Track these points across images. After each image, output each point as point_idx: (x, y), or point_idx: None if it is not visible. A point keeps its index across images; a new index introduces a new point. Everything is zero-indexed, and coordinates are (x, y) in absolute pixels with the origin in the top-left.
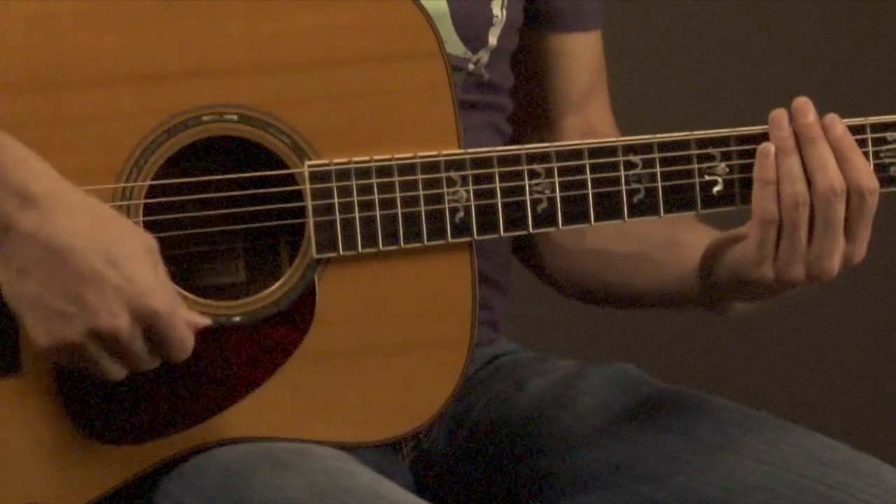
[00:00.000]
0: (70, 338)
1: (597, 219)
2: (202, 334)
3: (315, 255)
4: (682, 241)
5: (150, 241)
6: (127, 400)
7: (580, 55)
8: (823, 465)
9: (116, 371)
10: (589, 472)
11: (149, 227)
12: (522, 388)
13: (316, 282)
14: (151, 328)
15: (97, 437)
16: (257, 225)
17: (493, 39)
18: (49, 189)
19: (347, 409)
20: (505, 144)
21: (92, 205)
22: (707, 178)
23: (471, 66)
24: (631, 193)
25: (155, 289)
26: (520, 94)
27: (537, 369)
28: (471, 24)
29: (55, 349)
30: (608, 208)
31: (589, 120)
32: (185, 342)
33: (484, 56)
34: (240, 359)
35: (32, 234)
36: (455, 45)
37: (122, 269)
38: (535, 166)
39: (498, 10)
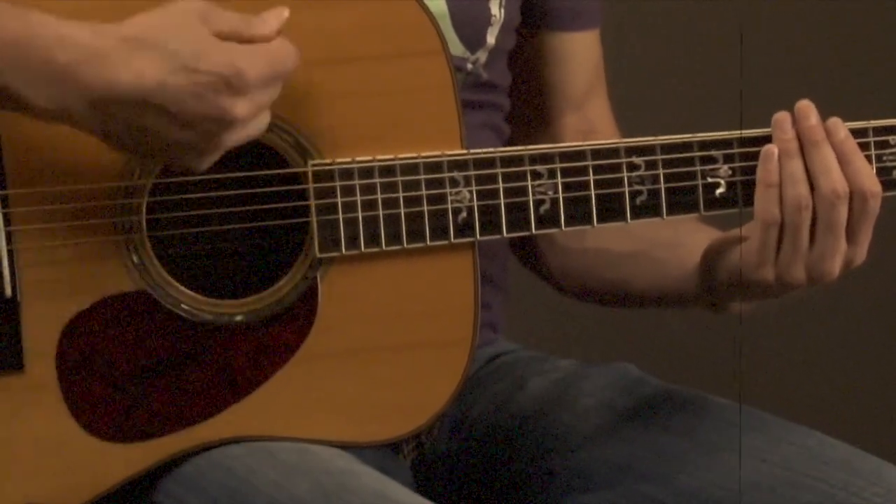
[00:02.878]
0: (215, 146)
1: (599, 220)
2: (205, 333)
3: (318, 255)
4: (682, 241)
5: (188, 7)
6: (129, 398)
7: (578, 54)
8: (825, 464)
9: (262, 124)
10: (589, 472)
11: (151, 226)
12: (522, 387)
13: (318, 281)
14: (258, 80)
15: (98, 436)
16: (260, 224)
17: (491, 39)
18: (94, 43)
19: (349, 409)
20: (503, 144)
21: (131, 30)
22: (710, 179)
23: (469, 66)
24: (634, 195)
25: (234, 58)
26: (519, 94)
27: (537, 369)
28: (469, 23)
29: (209, 160)
30: (611, 209)
31: (588, 119)
32: (289, 56)
33: (482, 56)
34: (242, 358)
35: (114, 96)
36: (454, 45)
37: (201, 63)
38: (538, 167)
39: (496, 10)
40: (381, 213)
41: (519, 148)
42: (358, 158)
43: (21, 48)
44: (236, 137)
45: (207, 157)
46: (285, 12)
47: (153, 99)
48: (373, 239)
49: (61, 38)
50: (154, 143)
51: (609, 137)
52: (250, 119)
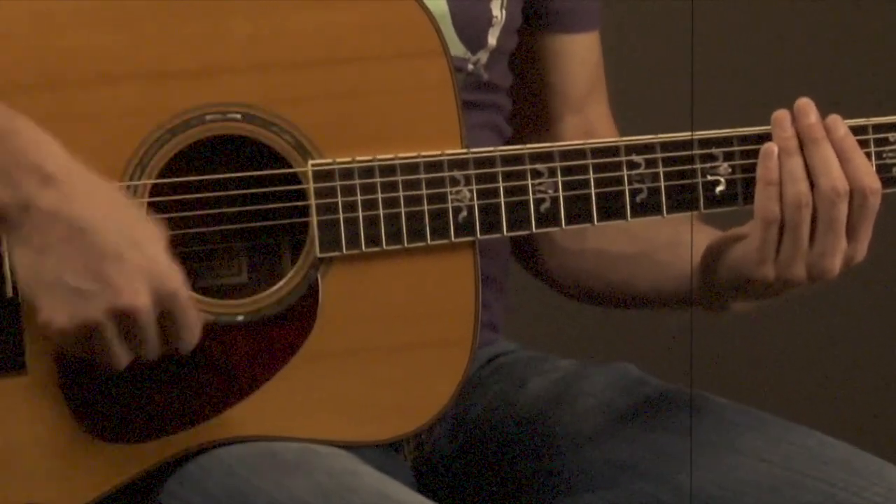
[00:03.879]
0: (90, 317)
1: (600, 219)
2: (206, 333)
3: (318, 255)
4: (682, 241)
5: (160, 231)
6: (130, 399)
7: (579, 56)
8: (825, 464)
9: (123, 358)
10: (590, 472)
11: None
12: (523, 387)
13: (319, 281)
14: (169, 311)
15: (100, 436)
16: (261, 224)
17: (492, 40)
18: (68, 169)
19: (350, 409)
20: (504, 144)
21: (110, 187)
22: (710, 178)
23: (470, 67)
24: (634, 193)
25: (174, 271)
26: (520, 95)
27: (537, 369)
28: (470, 24)
29: (73, 330)
30: (611, 208)
31: (588, 120)
32: (196, 331)
33: (483, 56)
34: (243, 358)
35: (54, 212)
36: (455, 46)
37: (144, 248)
38: (538, 166)
39: (497, 11)
40: (381, 212)
41: (519, 147)
42: (358, 158)
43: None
44: (109, 333)
45: (72, 321)
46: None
47: (87, 234)
48: (373, 238)
49: (37, 143)
50: (49, 270)
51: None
52: (136, 328)
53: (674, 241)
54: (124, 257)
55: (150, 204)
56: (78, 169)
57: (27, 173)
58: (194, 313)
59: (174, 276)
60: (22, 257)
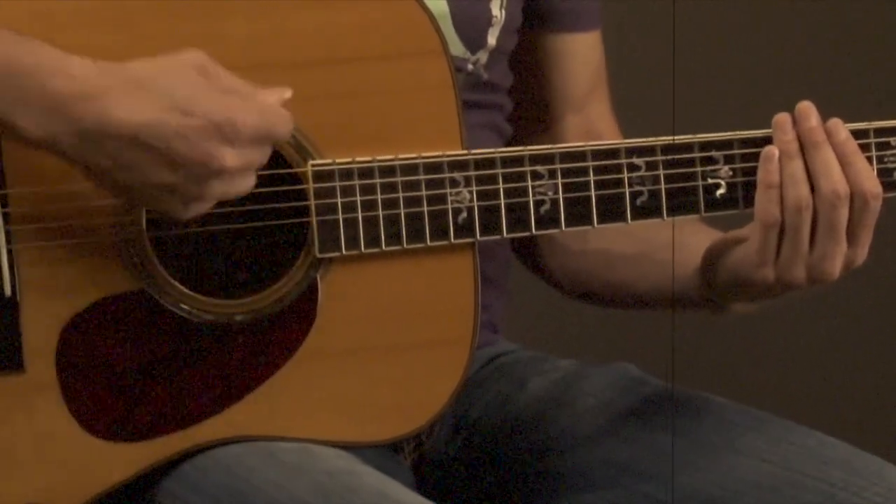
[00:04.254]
0: (198, 195)
1: (600, 221)
2: (206, 333)
3: (318, 255)
4: (684, 242)
5: (190, 58)
6: (129, 398)
7: (579, 55)
8: (825, 464)
9: (247, 182)
10: (590, 472)
11: (152, 225)
12: (523, 387)
13: (318, 281)
14: (248, 142)
15: (99, 436)
16: (261, 224)
17: (492, 40)
18: (94, 79)
19: (349, 409)
20: (504, 144)
21: (132, 70)
22: (710, 180)
23: (470, 67)
24: (634, 196)
25: (230, 108)
26: (520, 95)
27: (537, 369)
28: (470, 24)
29: (193, 212)
30: (611, 210)
31: (590, 120)
32: (282, 116)
33: (483, 56)
34: (242, 357)
35: (103, 130)
36: (455, 46)
37: (194, 109)
38: (538, 167)
39: (497, 11)
40: (381, 213)
41: (519, 148)
42: (358, 158)
43: (19, 75)
44: (220, 189)
45: (191, 206)
46: (287, 93)
47: (142, 136)
48: (373, 239)
49: (59, 69)
50: (138, 182)
51: (610, 139)
52: (236, 172)
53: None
54: (185, 133)
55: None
56: (105, 72)
57: (60, 100)
58: (270, 115)
59: (235, 114)
60: (108, 180)
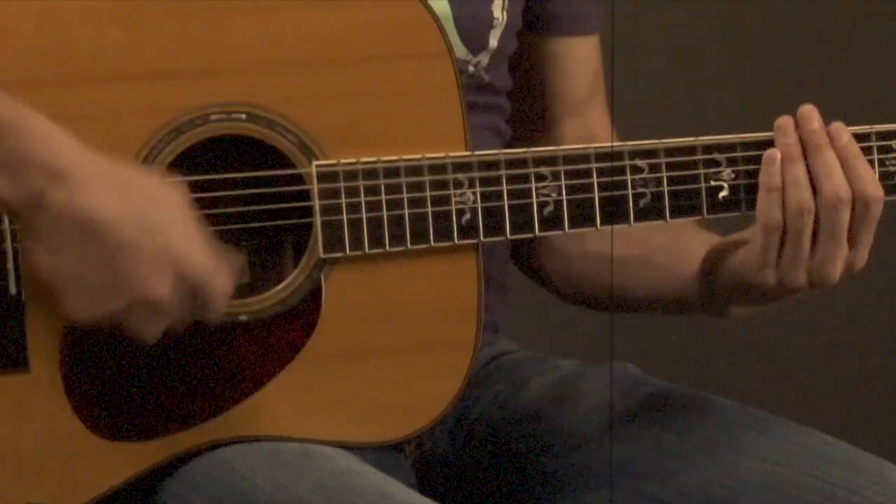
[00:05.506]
0: (113, 310)
1: (603, 223)
2: (209, 333)
3: (321, 255)
4: (683, 246)
5: (178, 196)
6: (133, 398)
7: (579, 59)
8: (826, 463)
9: (152, 335)
10: (590, 471)
11: None
12: (523, 387)
13: (322, 282)
14: (191, 290)
15: (102, 435)
16: (264, 224)
17: (493, 42)
18: (76, 161)
19: (352, 410)
20: (504, 146)
21: (119, 172)
22: (713, 183)
23: (471, 69)
24: (637, 198)
25: (191, 251)
26: (520, 98)
27: (537, 369)
28: (472, 26)
29: (97, 322)
30: (614, 212)
31: (588, 124)
32: (222, 299)
33: (484, 58)
34: (245, 358)
35: (64, 210)
36: (456, 47)
37: (158, 234)
38: (541, 169)
39: (498, 13)
40: (384, 213)
41: (523, 150)
42: (362, 159)
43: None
44: (136, 320)
45: (95, 312)
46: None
47: (98, 229)
48: (376, 240)
49: (46, 137)
50: (66, 267)
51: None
52: (160, 312)
53: (672, 246)
54: (140, 248)
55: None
56: (86, 158)
57: (35, 169)
58: (218, 288)
59: (192, 258)
60: (38, 254)
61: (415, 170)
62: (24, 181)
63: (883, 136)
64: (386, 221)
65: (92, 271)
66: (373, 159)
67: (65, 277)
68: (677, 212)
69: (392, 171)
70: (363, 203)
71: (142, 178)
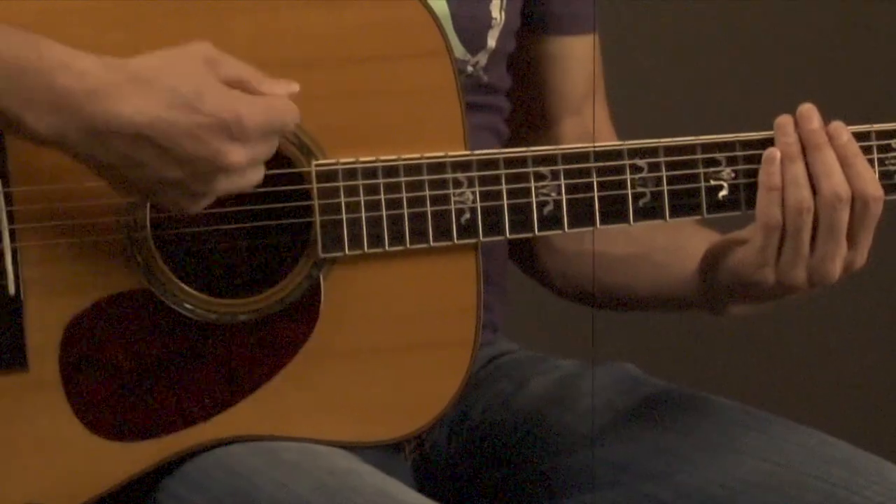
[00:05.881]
0: (208, 191)
1: (602, 222)
2: (209, 332)
3: (321, 255)
4: (682, 244)
5: (196, 51)
6: (132, 397)
7: (577, 59)
8: (826, 463)
9: (256, 178)
10: (590, 471)
11: (155, 224)
12: (523, 387)
13: (321, 281)
14: (255, 138)
15: (102, 435)
16: (264, 223)
17: (491, 41)
18: (103, 76)
19: (351, 409)
20: (503, 146)
21: (137, 67)
22: (712, 182)
23: (469, 69)
24: (637, 197)
25: (237, 104)
26: (518, 97)
27: (537, 369)
28: (471, 26)
29: (202, 206)
30: (614, 211)
31: (587, 123)
32: (289, 110)
33: (482, 58)
34: (245, 357)
35: (113, 127)
36: (455, 47)
37: (202, 105)
38: (541, 168)
39: (497, 13)
40: (384, 213)
41: (522, 149)
42: (361, 159)
43: (26, 73)
44: (227, 185)
45: (197, 201)
46: (294, 86)
47: (149, 133)
48: (376, 239)
49: (66, 66)
50: (146, 179)
51: (607, 142)
52: (243, 168)
53: (671, 244)
54: (194, 130)
55: (152, 204)
56: (112, 69)
57: (70, 98)
58: (277, 108)
59: (242, 111)
60: (119, 176)
61: (414, 169)
62: (64, 112)
63: (882, 135)
64: (385, 221)
65: (169, 170)
66: (372, 158)
67: (153, 187)
68: (677, 211)
69: (391, 171)
70: (362, 202)
71: (157, 64)
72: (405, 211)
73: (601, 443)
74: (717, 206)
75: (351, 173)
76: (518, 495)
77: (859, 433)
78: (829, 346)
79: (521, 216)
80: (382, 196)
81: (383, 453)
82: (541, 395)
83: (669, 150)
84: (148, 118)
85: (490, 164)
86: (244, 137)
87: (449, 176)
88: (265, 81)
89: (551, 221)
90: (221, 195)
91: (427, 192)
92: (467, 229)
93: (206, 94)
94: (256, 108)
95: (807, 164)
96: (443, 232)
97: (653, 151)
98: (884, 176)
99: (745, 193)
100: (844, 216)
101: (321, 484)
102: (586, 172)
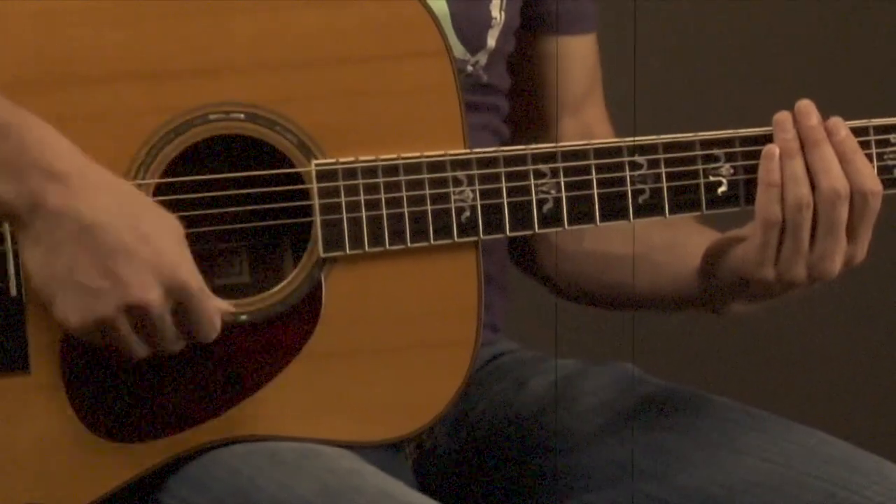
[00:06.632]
0: (102, 314)
1: (602, 219)
2: None
3: (322, 254)
4: (681, 242)
5: (175, 222)
6: (133, 398)
7: (576, 58)
8: (826, 463)
9: (141, 350)
10: (590, 471)
11: None
12: (523, 387)
13: (322, 281)
14: (181, 304)
15: (103, 436)
16: (265, 223)
17: (491, 41)
18: (75, 165)
19: (353, 408)
20: (502, 145)
21: (118, 182)
22: (712, 178)
23: (469, 68)
24: (636, 194)
25: (184, 263)
26: (517, 97)
27: (537, 369)
28: (470, 25)
29: (87, 327)
30: (613, 209)
31: (586, 122)
32: (214, 320)
33: (482, 58)
34: (246, 357)
35: (61, 211)
36: (454, 47)
37: (152, 242)
38: (540, 166)
39: (496, 13)
40: (384, 212)
41: (521, 147)
42: (361, 158)
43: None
44: (122, 327)
45: (86, 322)
46: (231, 309)
47: (96, 232)
48: (376, 238)
49: (48, 147)
50: (59, 269)
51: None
52: (147, 323)
53: (672, 243)
54: (133, 252)
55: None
56: (85, 163)
57: (34, 170)
58: (209, 303)
59: (184, 268)
60: (33, 256)
61: (414, 168)
62: (23, 182)
63: (881, 130)
64: (385, 220)
65: (84, 272)
66: (372, 158)
67: (57, 278)
68: (676, 207)
69: (391, 170)
70: (363, 201)
71: (138, 193)
72: (405, 210)
73: (601, 443)
74: (716, 202)
75: (351, 172)
76: (518, 495)
77: (859, 433)
78: (829, 346)
79: (521, 214)
80: (382, 195)
81: (384, 453)
82: (541, 395)
83: (668, 147)
84: (101, 219)
85: (490, 162)
86: (172, 292)
87: (449, 174)
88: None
89: (551, 219)
90: (110, 345)
91: (427, 191)
92: (467, 227)
93: (164, 239)
94: (201, 290)
95: (806, 161)
96: (443, 230)
97: (652, 148)
98: (882, 171)
99: (745, 190)
100: (844, 212)
101: (323, 484)
102: (586, 170)
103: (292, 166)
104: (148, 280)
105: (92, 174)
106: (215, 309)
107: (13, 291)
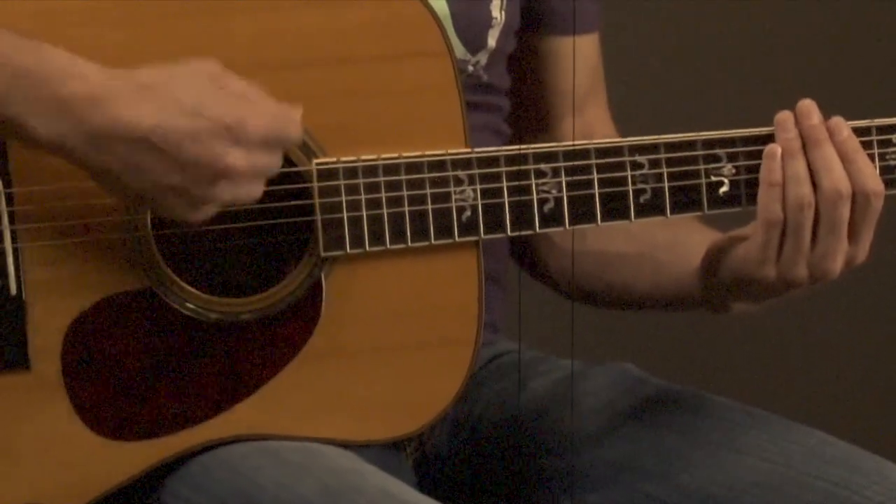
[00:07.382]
0: (203, 198)
1: (603, 219)
2: (210, 332)
3: (322, 254)
4: (683, 242)
5: (202, 66)
6: (134, 397)
7: (577, 58)
8: (826, 463)
9: (256, 191)
10: (591, 471)
11: (156, 224)
12: (523, 387)
13: (323, 280)
14: (259, 136)
15: (104, 434)
16: (265, 222)
17: (492, 41)
18: (102, 82)
19: (353, 408)
20: (503, 145)
21: (140, 78)
22: (713, 178)
23: (470, 68)
24: (637, 194)
25: (238, 109)
26: (519, 97)
27: (538, 369)
28: (471, 25)
29: (203, 214)
30: (615, 208)
31: (588, 122)
32: (286, 119)
33: (483, 58)
34: (246, 356)
35: (110, 131)
36: (455, 47)
37: (203, 112)
38: (541, 166)
39: (497, 12)
40: (385, 211)
41: (523, 147)
42: (362, 157)
43: (28, 78)
44: (226, 193)
45: (197, 209)
46: (299, 109)
47: (150, 137)
48: (377, 238)
49: (68, 72)
50: (145, 185)
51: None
52: (244, 175)
53: (673, 243)
54: (194, 133)
55: (153, 213)
56: (115, 76)
57: (72, 104)
58: (280, 121)
59: (243, 116)
60: (117, 184)
61: (415, 167)
62: (65, 118)
63: (883, 130)
64: (386, 219)
65: (166, 175)
66: (373, 157)
67: (149, 192)
68: (678, 207)
69: (392, 169)
70: (363, 201)
71: (160, 73)
72: (406, 209)
73: (601, 443)
74: (717, 202)
75: (352, 172)
76: (518, 495)
77: (859, 433)
78: (829, 346)
79: (522, 213)
80: (383, 194)
81: (384, 452)
82: (541, 396)
83: (670, 147)
84: (149, 124)
85: (491, 161)
86: (246, 142)
87: (449, 174)
88: (270, 98)
89: (552, 218)
90: (222, 206)
91: (428, 190)
92: (468, 227)
93: (209, 102)
94: (260, 115)
95: (807, 160)
96: (444, 230)
97: (653, 148)
98: (884, 171)
99: (746, 189)
100: (845, 212)
101: (323, 484)
102: (587, 169)
103: (293, 165)
104: (223, 149)
105: (118, 81)
106: (287, 112)
107: (13, 289)
